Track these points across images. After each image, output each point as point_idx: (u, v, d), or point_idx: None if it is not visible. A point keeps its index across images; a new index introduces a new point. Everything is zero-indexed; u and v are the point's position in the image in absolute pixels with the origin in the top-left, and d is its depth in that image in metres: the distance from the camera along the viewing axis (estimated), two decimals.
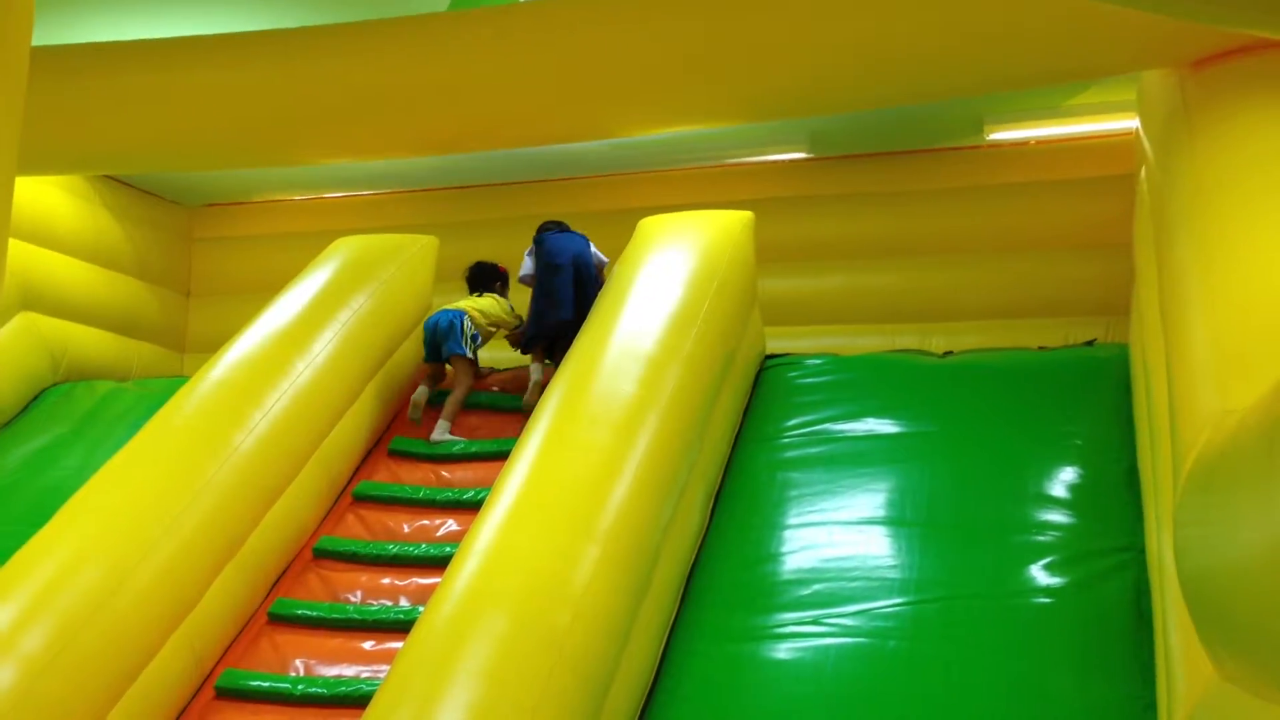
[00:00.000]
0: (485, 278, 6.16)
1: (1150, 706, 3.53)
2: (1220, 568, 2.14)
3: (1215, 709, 2.49)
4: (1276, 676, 1.93)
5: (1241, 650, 2.17)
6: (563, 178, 7.79)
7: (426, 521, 5.03)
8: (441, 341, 5.69)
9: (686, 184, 7.57)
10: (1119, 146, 6.21)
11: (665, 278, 5.19)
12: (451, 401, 5.58)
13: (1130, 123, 5.56)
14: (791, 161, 7.49)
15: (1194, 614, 2.51)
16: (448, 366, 5.82)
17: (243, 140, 5.50)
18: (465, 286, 6.18)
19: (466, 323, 5.75)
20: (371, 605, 4.58)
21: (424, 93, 5.00)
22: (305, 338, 5.16)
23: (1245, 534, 1.90)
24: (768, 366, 5.68)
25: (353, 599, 4.65)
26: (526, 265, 5.90)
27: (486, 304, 5.93)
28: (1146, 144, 4.59)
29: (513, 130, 5.54)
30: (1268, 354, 2.83)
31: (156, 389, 6.29)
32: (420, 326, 5.89)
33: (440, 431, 5.49)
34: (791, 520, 4.63)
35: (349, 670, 4.29)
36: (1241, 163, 3.59)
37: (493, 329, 5.93)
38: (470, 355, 5.70)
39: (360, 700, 3.97)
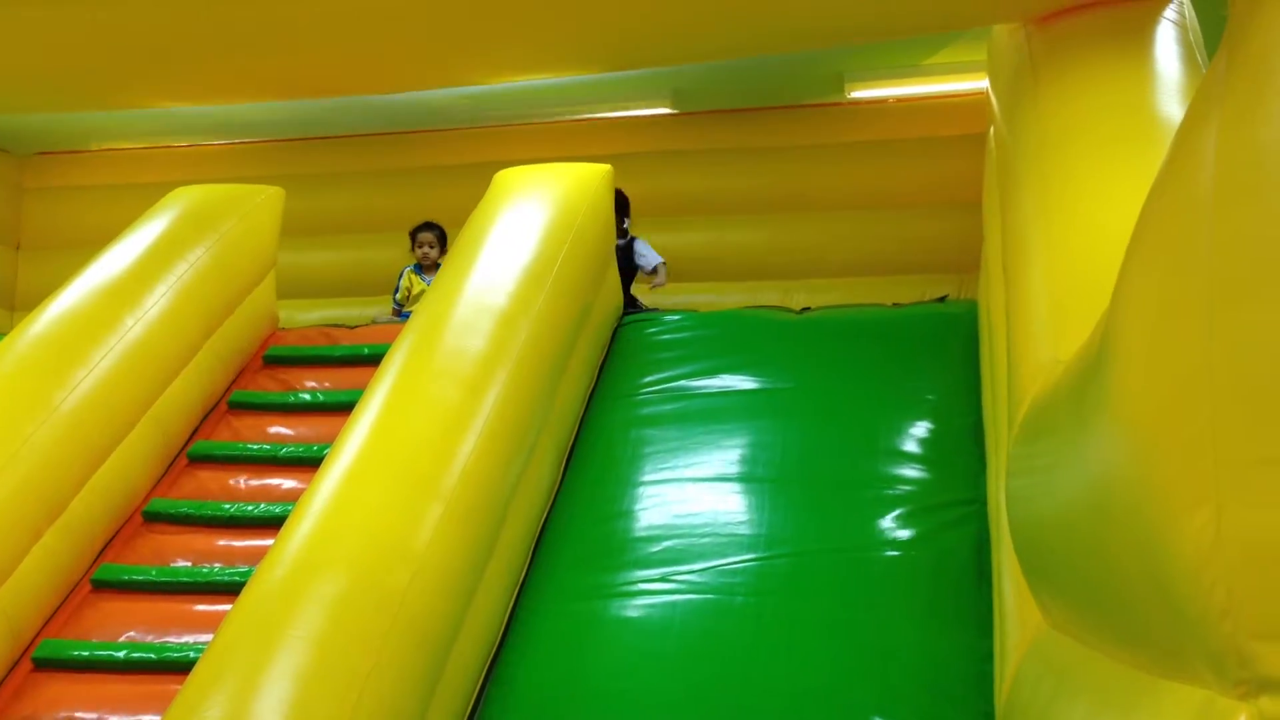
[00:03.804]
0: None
1: (988, 657, 3.57)
2: (1042, 516, 2.13)
3: (1043, 656, 2.50)
4: (1093, 622, 1.92)
5: (1062, 597, 2.17)
6: (421, 130, 7.58)
7: (267, 480, 4.83)
8: None
9: (549, 138, 7.43)
10: (974, 106, 6.27)
11: (519, 231, 5.05)
12: None
13: (985, 83, 5.60)
14: (654, 116, 7.41)
15: (1022, 562, 2.52)
16: None
17: (72, 81, 5.18)
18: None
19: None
20: (204, 568, 4.39)
21: (266, 33, 4.75)
22: (136, 291, 4.88)
23: (1060, 482, 1.88)
24: (625, 322, 5.61)
25: (185, 563, 4.44)
26: None
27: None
28: (994, 101, 4.62)
29: (361, 76, 5.33)
30: (1100, 304, 2.85)
31: None
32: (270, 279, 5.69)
33: None
34: (644, 477, 4.58)
35: (179, 636, 4.10)
36: (1082, 116, 3.61)
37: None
38: None
39: (190, 667, 3.77)
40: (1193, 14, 4.18)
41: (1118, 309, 1.51)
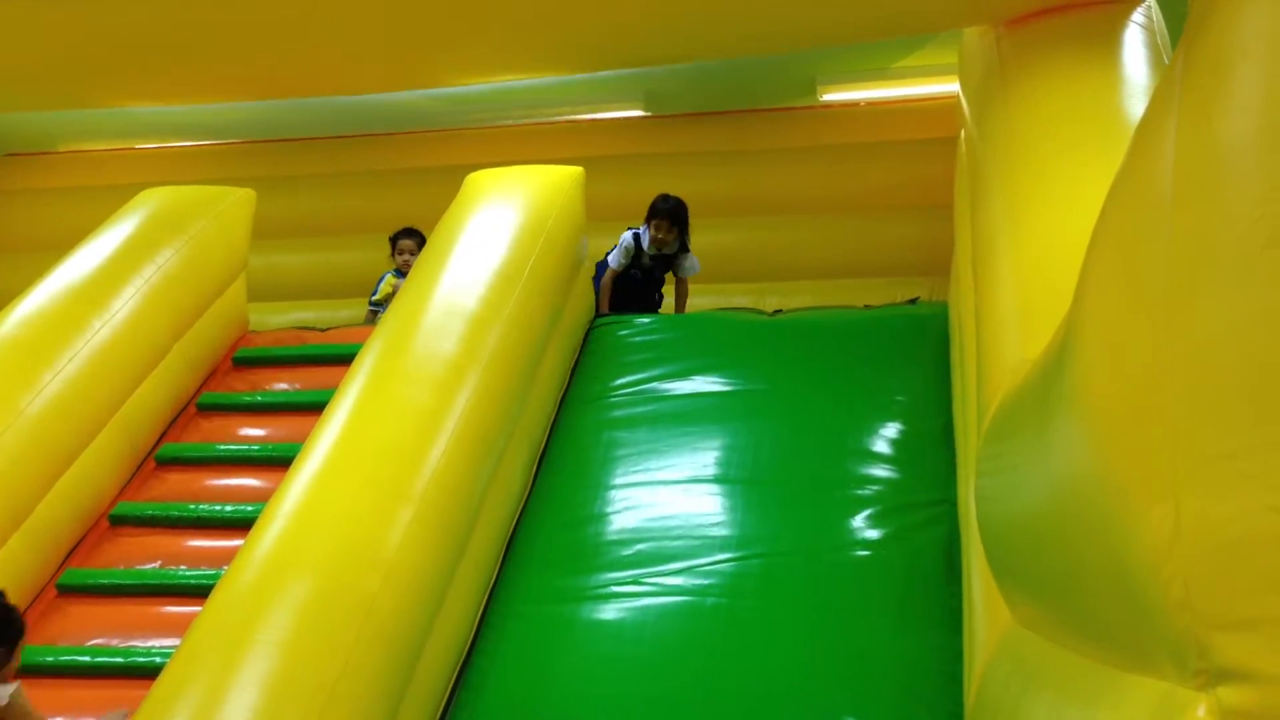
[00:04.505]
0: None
1: (959, 656, 3.58)
2: (1008, 514, 2.14)
3: (1012, 653, 2.51)
4: (1059, 618, 1.93)
5: (1029, 594, 2.18)
6: (391, 132, 7.55)
7: (237, 481, 4.79)
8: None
9: (521, 140, 7.43)
10: (946, 109, 6.30)
11: (490, 233, 5.04)
12: None
13: (956, 86, 5.63)
14: (627, 119, 7.41)
15: (990, 560, 2.53)
16: None
17: (41, 79, 5.13)
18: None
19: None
20: (171, 571, 4.35)
21: (238, 34, 4.71)
22: (103, 294, 4.84)
23: (1026, 480, 1.89)
24: (597, 325, 5.60)
25: (152, 565, 4.40)
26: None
27: None
28: (965, 103, 4.65)
29: (333, 77, 5.30)
30: (1067, 305, 2.86)
31: None
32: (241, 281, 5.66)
33: None
34: (616, 480, 4.57)
35: (146, 640, 4.06)
36: (1050, 118, 3.64)
37: None
38: None
39: (157, 671, 3.73)
40: (1160, 18, 4.21)
41: (1079, 306, 1.52)
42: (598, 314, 5.74)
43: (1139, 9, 4.11)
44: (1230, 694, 1.16)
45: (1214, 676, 1.18)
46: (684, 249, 5.95)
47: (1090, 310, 1.48)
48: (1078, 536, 1.53)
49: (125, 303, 4.88)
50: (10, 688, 3.33)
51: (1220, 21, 1.29)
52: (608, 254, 5.97)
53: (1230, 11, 1.28)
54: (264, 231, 6.20)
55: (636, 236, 5.93)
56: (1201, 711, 1.19)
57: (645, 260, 5.96)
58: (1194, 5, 1.39)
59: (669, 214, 5.83)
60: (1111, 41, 3.96)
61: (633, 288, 5.98)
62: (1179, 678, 1.26)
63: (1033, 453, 1.82)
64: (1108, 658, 1.56)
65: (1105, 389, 1.38)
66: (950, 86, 6.55)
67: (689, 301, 6.14)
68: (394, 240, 6.55)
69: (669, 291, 6.16)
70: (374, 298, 6.47)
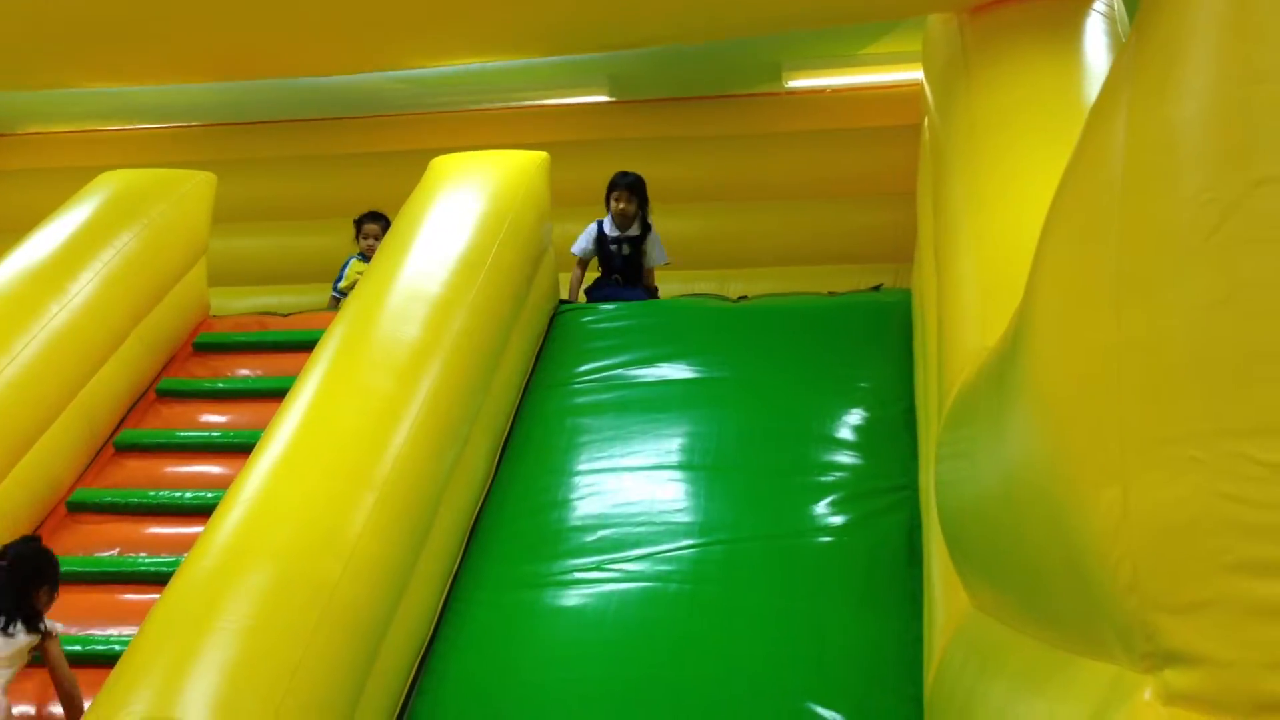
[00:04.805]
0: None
1: (919, 640, 3.60)
2: (966, 499, 2.16)
3: (969, 638, 2.53)
4: (1014, 602, 1.95)
5: (986, 578, 2.19)
6: (355, 115, 7.49)
7: (197, 468, 4.76)
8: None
9: (486, 125, 7.38)
10: (911, 96, 6.31)
11: (454, 218, 5.01)
12: None
13: (921, 73, 5.65)
14: (592, 104, 7.38)
15: (949, 545, 2.55)
16: None
17: None
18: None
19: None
20: (130, 558, 4.31)
21: (198, 12, 4.64)
22: (61, 278, 4.78)
23: (982, 465, 1.90)
24: (561, 311, 5.59)
25: (111, 552, 4.36)
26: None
27: None
28: (928, 91, 4.66)
29: (296, 58, 5.23)
30: None
31: None
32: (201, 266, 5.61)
33: None
34: (580, 466, 4.56)
35: (104, 628, 4.02)
36: (1012, 105, 3.65)
37: None
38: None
39: (116, 659, 3.70)
40: (1121, 7, 4.24)
41: (1032, 293, 1.53)
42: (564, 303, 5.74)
43: None
44: (1176, 677, 1.17)
45: (1161, 659, 1.19)
46: (647, 228, 5.94)
47: (1043, 296, 1.48)
48: (1031, 521, 1.54)
49: (83, 287, 4.82)
50: (59, 625, 3.64)
51: (1171, 8, 1.29)
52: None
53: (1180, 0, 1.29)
54: (226, 215, 6.14)
55: (600, 223, 5.93)
56: (1148, 694, 1.20)
57: (612, 248, 5.93)
58: None
59: (628, 186, 5.87)
60: (1073, 30, 3.97)
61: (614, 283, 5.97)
62: (1128, 661, 1.27)
63: (988, 438, 1.83)
64: (1060, 641, 1.58)
65: (1056, 375, 1.39)
66: (915, 74, 6.57)
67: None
68: (359, 224, 6.47)
69: None
70: (339, 284, 6.38)
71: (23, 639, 3.54)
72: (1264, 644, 1.09)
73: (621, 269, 5.96)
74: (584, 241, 5.97)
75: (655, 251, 5.99)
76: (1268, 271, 1.12)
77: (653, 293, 6.06)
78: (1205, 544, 1.14)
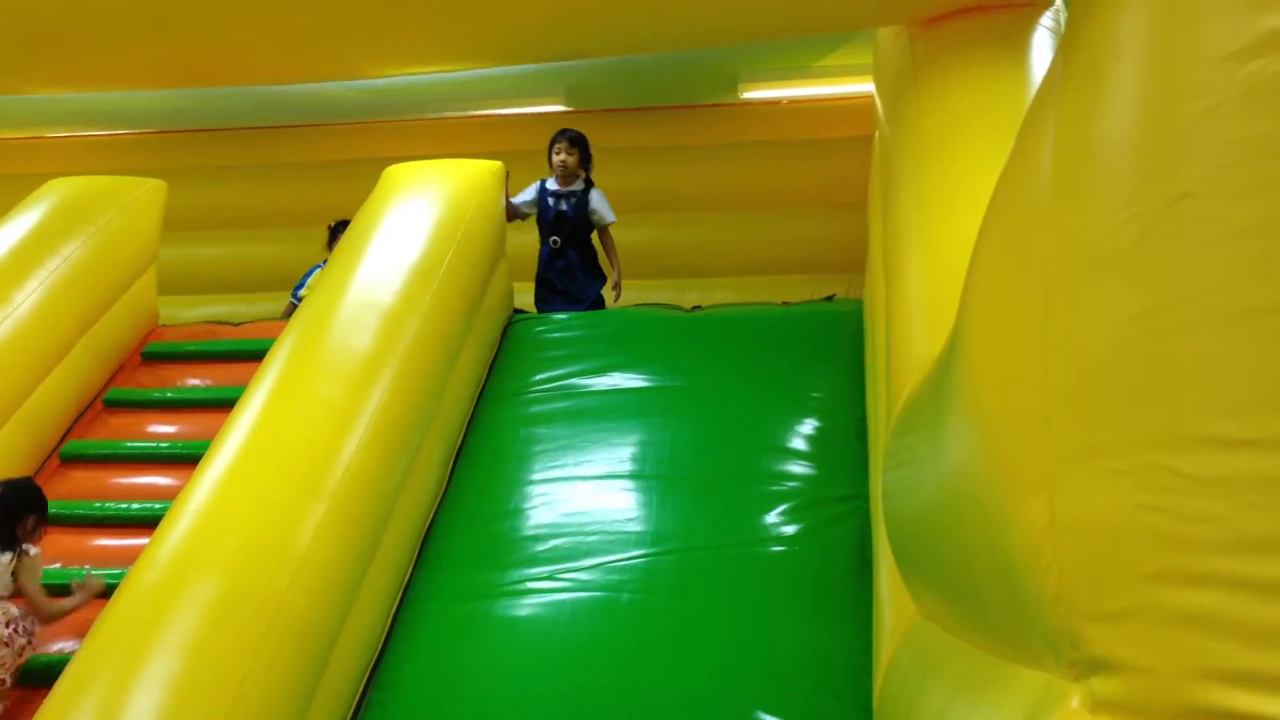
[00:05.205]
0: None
1: (870, 648, 3.62)
2: (910, 507, 2.17)
3: (916, 645, 2.55)
4: (955, 610, 1.96)
5: (929, 586, 2.21)
6: (310, 124, 7.44)
7: (144, 479, 4.70)
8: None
9: (441, 134, 7.37)
10: (864, 108, 6.35)
11: (408, 227, 4.99)
12: None
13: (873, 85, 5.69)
14: (548, 114, 7.38)
15: (895, 553, 2.56)
16: None
17: None
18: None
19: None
20: (75, 570, 4.24)
21: (149, 17, 4.60)
22: (6, 286, 4.72)
23: (924, 474, 1.92)
24: (515, 320, 5.58)
25: (55, 565, 4.29)
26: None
27: None
28: (879, 103, 4.70)
29: (249, 65, 5.19)
30: None
31: None
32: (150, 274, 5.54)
33: None
34: (533, 476, 4.55)
35: (48, 644, 3.96)
36: (960, 117, 3.69)
37: None
38: None
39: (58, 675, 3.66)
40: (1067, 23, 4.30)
41: (966, 304, 1.54)
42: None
43: (1047, 13, 4.18)
44: (1102, 684, 1.18)
45: (1087, 667, 1.21)
46: (589, 184, 5.89)
47: (975, 307, 1.50)
48: (966, 530, 1.55)
49: (29, 295, 4.76)
50: (38, 550, 3.94)
51: (1096, 24, 1.31)
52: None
53: (1106, 15, 1.30)
54: (177, 223, 6.08)
55: (543, 181, 5.90)
56: (1075, 703, 1.21)
57: (550, 202, 5.83)
58: (1072, 8, 1.42)
59: (569, 137, 5.86)
60: (1020, 44, 4.02)
61: (557, 265, 5.90)
62: (1057, 668, 1.28)
63: (928, 447, 1.85)
64: (996, 649, 1.59)
65: (987, 384, 1.41)
66: (869, 86, 6.63)
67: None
68: (334, 230, 6.33)
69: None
70: (300, 291, 6.28)
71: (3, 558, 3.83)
72: (1186, 652, 1.11)
73: (563, 231, 5.84)
74: (526, 194, 5.88)
75: (603, 208, 5.85)
76: (1187, 286, 1.14)
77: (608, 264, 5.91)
78: (1127, 554, 1.15)
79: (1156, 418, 1.15)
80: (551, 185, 5.90)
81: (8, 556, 3.83)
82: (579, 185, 5.90)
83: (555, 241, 5.87)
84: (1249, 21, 1.13)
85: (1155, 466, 1.14)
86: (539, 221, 5.91)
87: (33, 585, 3.87)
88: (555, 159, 5.89)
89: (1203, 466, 1.11)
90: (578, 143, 5.89)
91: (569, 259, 5.88)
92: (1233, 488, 1.09)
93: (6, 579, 3.83)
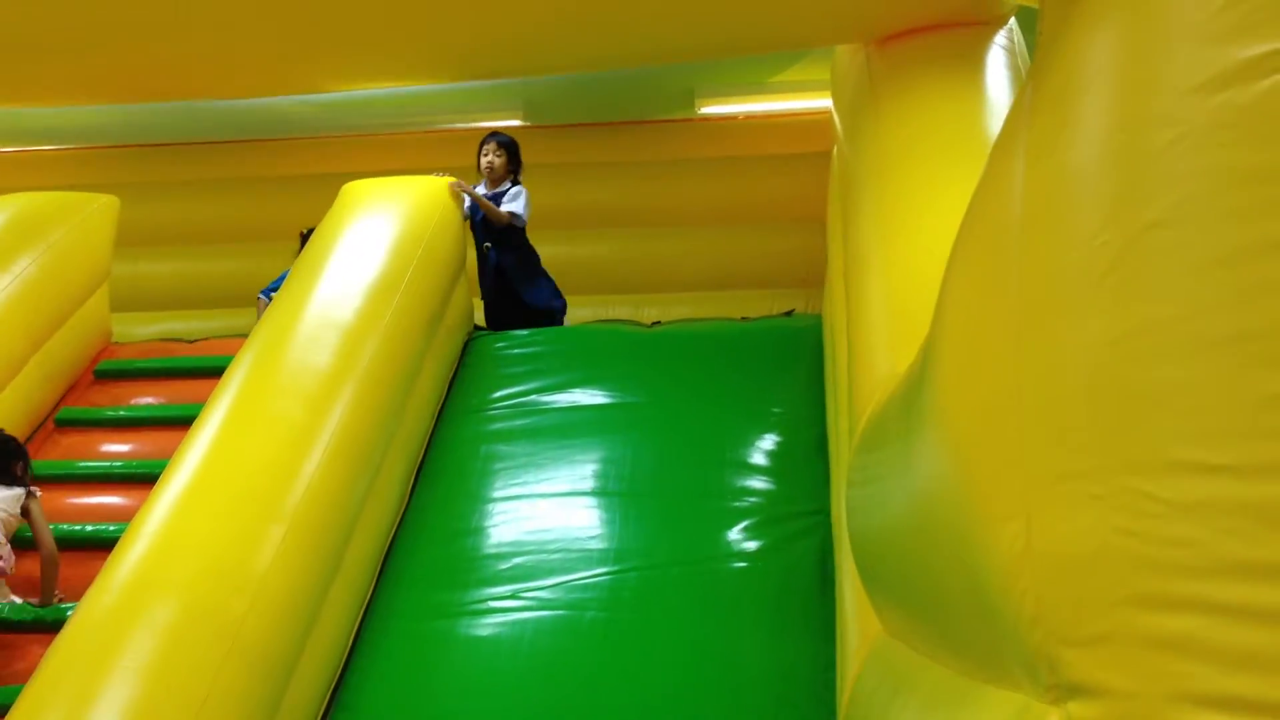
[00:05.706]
0: None
1: (833, 665, 3.64)
2: (875, 526, 2.18)
3: (881, 663, 2.55)
4: (923, 629, 1.97)
5: (896, 605, 2.22)
6: (266, 138, 7.38)
7: (98, 499, 4.63)
8: None
9: (398, 149, 7.33)
10: (821, 124, 6.40)
11: (367, 244, 4.96)
12: None
13: (830, 102, 5.74)
14: (506, 129, 7.36)
15: (860, 571, 2.57)
16: None
17: None
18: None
19: None
20: (24, 604, 4.16)
21: (104, 31, 4.54)
22: None
23: (890, 493, 1.93)
24: (475, 336, 5.56)
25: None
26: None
27: None
28: (837, 119, 4.73)
29: (204, 80, 5.14)
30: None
31: None
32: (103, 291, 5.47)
33: None
34: (494, 493, 4.54)
35: None
36: (919, 133, 3.73)
37: None
38: None
39: (7, 708, 3.59)
40: (1021, 40, 4.35)
41: (938, 326, 1.56)
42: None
43: (1001, 31, 4.24)
44: (1081, 709, 1.19)
45: (1065, 691, 1.21)
46: (516, 186, 5.81)
47: (947, 330, 1.51)
48: (937, 550, 1.56)
49: None
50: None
51: (1066, 53, 1.33)
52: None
53: (1075, 43, 1.32)
54: (130, 239, 6.01)
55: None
56: None
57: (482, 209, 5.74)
58: (1041, 36, 1.44)
59: (500, 140, 5.84)
60: (975, 62, 4.07)
61: (489, 269, 5.81)
62: (1034, 691, 1.29)
63: (897, 466, 1.86)
64: (968, 669, 1.60)
65: (961, 408, 1.42)
66: (825, 101, 6.68)
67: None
68: (305, 236, 6.18)
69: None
70: (271, 292, 6.12)
71: (12, 490, 4.13)
72: (1163, 676, 1.12)
73: (492, 235, 5.76)
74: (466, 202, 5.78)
75: (515, 203, 5.73)
76: (1159, 313, 1.16)
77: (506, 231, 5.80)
78: (1104, 578, 1.17)
79: (1131, 443, 1.17)
80: (481, 189, 5.82)
81: (18, 490, 4.11)
82: (506, 187, 5.83)
83: (486, 247, 5.81)
84: (1218, 53, 1.15)
85: (1131, 491, 1.16)
86: (471, 228, 5.80)
87: (43, 521, 4.14)
88: (483, 160, 5.83)
89: (1178, 492, 1.13)
90: (507, 145, 5.84)
91: (502, 262, 5.80)
92: (1208, 513, 1.11)
93: (14, 514, 4.09)
